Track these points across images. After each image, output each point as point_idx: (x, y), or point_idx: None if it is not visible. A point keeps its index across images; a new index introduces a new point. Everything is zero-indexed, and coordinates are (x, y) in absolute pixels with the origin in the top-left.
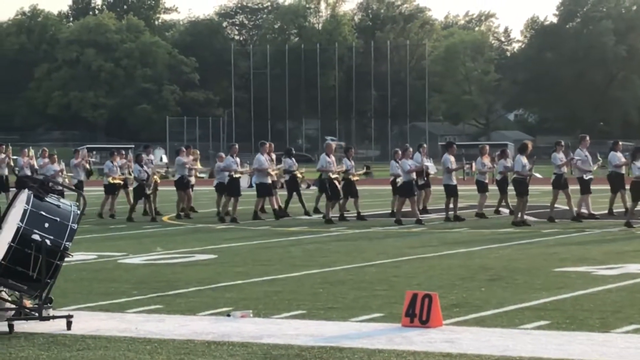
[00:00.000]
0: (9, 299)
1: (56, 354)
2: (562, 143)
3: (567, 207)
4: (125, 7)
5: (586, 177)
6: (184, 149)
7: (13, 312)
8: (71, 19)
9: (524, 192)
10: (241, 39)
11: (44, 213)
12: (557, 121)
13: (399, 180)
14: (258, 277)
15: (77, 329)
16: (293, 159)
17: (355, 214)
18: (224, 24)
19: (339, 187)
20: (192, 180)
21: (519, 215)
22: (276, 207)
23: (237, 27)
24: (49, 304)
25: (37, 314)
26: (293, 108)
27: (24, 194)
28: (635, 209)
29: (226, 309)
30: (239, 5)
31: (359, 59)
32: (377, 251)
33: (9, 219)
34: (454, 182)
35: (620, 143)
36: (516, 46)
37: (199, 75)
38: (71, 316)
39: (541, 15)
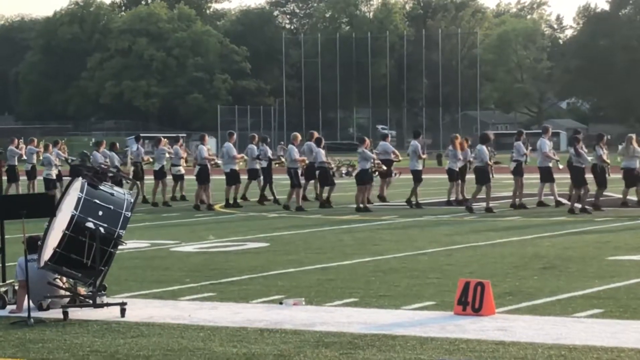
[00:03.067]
0: (64, 286)
1: (110, 341)
2: (524, 132)
3: (614, 195)
4: None
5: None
6: (162, 139)
7: (68, 299)
8: (123, 8)
9: (487, 180)
10: (292, 27)
11: (97, 201)
12: (610, 109)
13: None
14: (310, 265)
15: (130, 316)
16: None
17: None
18: (275, 12)
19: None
20: (182, 170)
21: (473, 199)
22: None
23: (288, 16)
24: (102, 292)
25: (91, 301)
26: (344, 97)
27: (78, 182)
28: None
29: (278, 296)
30: None
31: (410, 47)
32: (428, 239)
33: (63, 207)
34: (420, 168)
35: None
36: (568, 34)
37: (250, 64)
38: (125, 303)
39: (593, 2)
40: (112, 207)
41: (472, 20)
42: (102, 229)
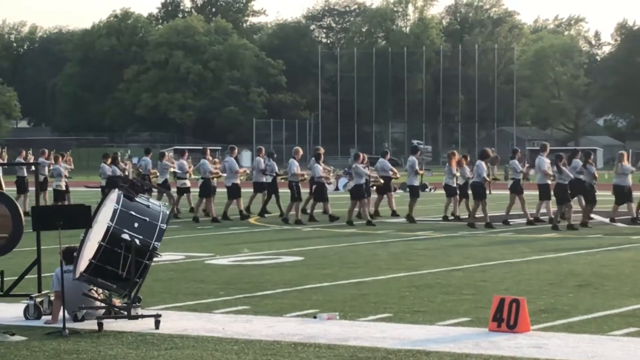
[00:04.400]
0: (99, 297)
1: (144, 352)
2: (519, 150)
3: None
4: (213, 9)
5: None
6: (166, 154)
7: (103, 310)
8: (160, 21)
9: (483, 196)
10: (328, 41)
11: (133, 213)
12: None
13: (351, 184)
14: (344, 280)
15: (165, 328)
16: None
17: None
18: (312, 26)
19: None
20: (187, 183)
21: (474, 216)
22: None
23: (324, 30)
24: (137, 303)
25: (126, 313)
26: (380, 111)
27: (114, 194)
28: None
29: (313, 310)
30: (327, 8)
31: (446, 62)
32: (463, 255)
33: (100, 218)
34: (417, 183)
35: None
36: (606, 50)
37: (286, 77)
38: (159, 315)
39: (631, 19)
40: (147, 219)
41: (509, 36)
42: (137, 241)
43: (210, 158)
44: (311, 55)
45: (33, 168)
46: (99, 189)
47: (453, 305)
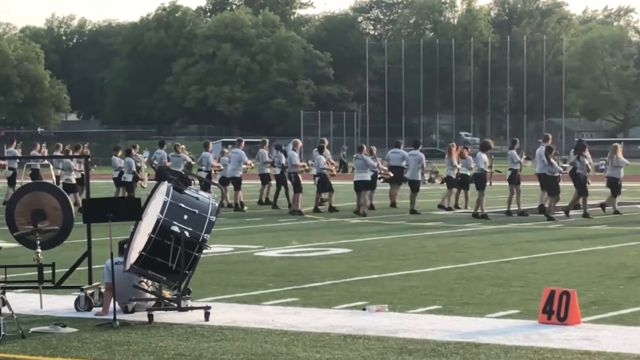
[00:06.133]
0: (149, 289)
1: (194, 344)
2: (517, 141)
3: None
4: (261, 2)
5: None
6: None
7: (153, 302)
8: (209, 14)
9: (483, 187)
10: (376, 33)
11: (183, 205)
12: None
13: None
14: (393, 272)
15: (214, 320)
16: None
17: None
18: (359, 18)
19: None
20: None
21: (479, 208)
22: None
23: (372, 22)
24: (187, 295)
25: (176, 305)
26: (427, 103)
27: (164, 186)
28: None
29: (362, 302)
30: (374, 0)
31: (494, 53)
32: (513, 247)
33: (149, 211)
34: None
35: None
36: None
37: (334, 70)
38: (209, 307)
39: None
40: (197, 211)
41: (557, 27)
42: (187, 233)
43: (187, 153)
44: (359, 47)
45: (45, 161)
46: (112, 181)
47: (503, 297)
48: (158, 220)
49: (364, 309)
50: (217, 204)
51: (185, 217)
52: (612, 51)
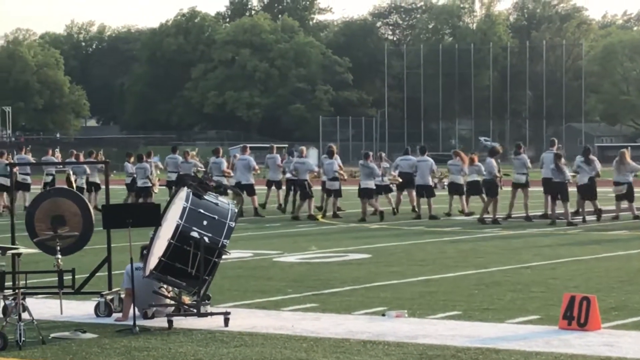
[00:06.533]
0: (169, 295)
1: (214, 350)
2: (522, 146)
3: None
4: (280, 7)
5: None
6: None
7: (172, 308)
8: (227, 19)
9: (495, 193)
10: (395, 38)
11: (202, 211)
12: None
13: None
14: (413, 277)
15: (234, 325)
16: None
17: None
18: (378, 24)
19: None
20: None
21: (488, 213)
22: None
23: (390, 27)
24: (207, 301)
25: (195, 311)
26: (446, 108)
27: (183, 192)
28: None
29: (381, 308)
30: (393, 5)
31: (513, 58)
32: (532, 253)
33: (169, 216)
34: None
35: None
36: None
37: (353, 75)
38: (228, 313)
39: None
40: (216, 217)
41: (577, 32)
42: (206, 239)
43: (197, 159)
44: (377, 52)
45: (60, 167)
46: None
47: (523, 302)
48: (177, 226)
49: (384, 315)
50: (236, 210)
51: (205, 222)
52: (631, 56)
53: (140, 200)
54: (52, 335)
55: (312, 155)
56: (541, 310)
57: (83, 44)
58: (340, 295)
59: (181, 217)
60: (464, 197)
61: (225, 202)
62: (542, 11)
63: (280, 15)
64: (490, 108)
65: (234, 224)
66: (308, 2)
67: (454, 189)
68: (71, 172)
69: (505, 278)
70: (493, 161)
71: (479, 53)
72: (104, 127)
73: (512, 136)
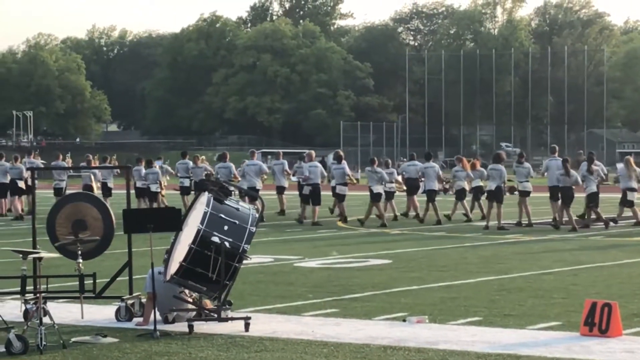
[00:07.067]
0: (190, 299)
1: (234, 355)
2: (524, 155)
3: None
4: (301, 12)
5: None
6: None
7: (193, 313)
8: (249, 25)
9: (500, 200)
10: (416, 44)
11: (223, 216)
12: None
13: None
14: (433, 283)
15: (254, 330)
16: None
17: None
18: (399, 29)
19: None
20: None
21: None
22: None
23: (412, 33)
24: (227, 306)
25: (216, 315)
26: (468, 114)
27: (204, 197)
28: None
29: (402, 314)
30: (415, 10)
31: (535, 64)
32: (554, 259)
33: (190, 221)
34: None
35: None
36: None
37: (374, 80)
38: (249, 318)
39: None
40: (237, 221)
41: (599, 37)
42: (227, 244)
43: (207, 164)
44: (399, 57)
45: (71, 172)
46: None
47: (544, 309)
48: (198, 231)
49: (404, 320)
50: (257, 215)
51: (226, 227)
52: None
53: (145, 205)
54: (73, 339)
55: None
56: (562, 317)
57: (104, 48)
58: (361, 301)
59: (202, 222)
60: (465, 202)
61: (246, 207)
62: (564, 17)
63: (301, 21)
64: (511, 114)
65: (254, 229)
66: (329, 8)
67: (461, 194)
68: (93, 177)
69: (526, 284)
70: (503, 168)
71: (500, 58)
72: (125, 132)
73: (534, 142)
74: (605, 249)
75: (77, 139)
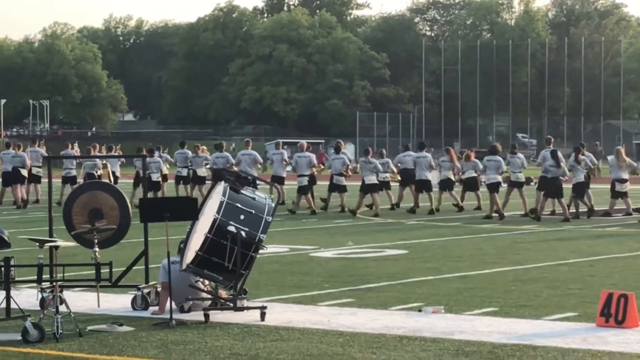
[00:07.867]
0: (205, 289)
1: (250, 344)
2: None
3: None
4: (318, 2)
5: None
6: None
7: (209, 302)
8: (265, 15)
9: (495, 190)
10: (432, 34)
11: (239, 205)
12: None
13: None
14: (449, 274)
15: (270, 320)
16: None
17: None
18: (416, 19)
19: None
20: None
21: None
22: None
23: (428, 23)
24: (243, 295)
25: (232, 305)
26: (484, 104)
27: (221, 186)
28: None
29: (417, 304)
30: (431, 1)
31: (552, 55)
32: (570, 250)
33: (206, 211)
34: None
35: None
36: None
37: (390, 71)
38: (265, 307)
39: None
40: (253, 211)
41: (616, 29)
42: (243, 233)
43: (207, 153)
44: (415, 48)
45: (78, 161)
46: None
47: (560, 299)
48: (214, 220)
49: (420, 311)
50: (273, 204)
51: (242, 217)
52: None
53: (151, 194)
54: (89, 327)
55: (349, 150)
56: (578, 307)
57: (121, 38)
58: (377, 291)
59: (218, 212)
60: (454, 192)
61: (262, 197)
62: (581, 7)
63: (318, 11)
64: (528, 105)
65: (270, 219)
66: None
67: (446, 185)
68: (110, 166)
69: (542, 275)
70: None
71: (517, 49)
72: (141, 122)
73: (550, 133)
74: (622, 240)
75: (94, 129)
